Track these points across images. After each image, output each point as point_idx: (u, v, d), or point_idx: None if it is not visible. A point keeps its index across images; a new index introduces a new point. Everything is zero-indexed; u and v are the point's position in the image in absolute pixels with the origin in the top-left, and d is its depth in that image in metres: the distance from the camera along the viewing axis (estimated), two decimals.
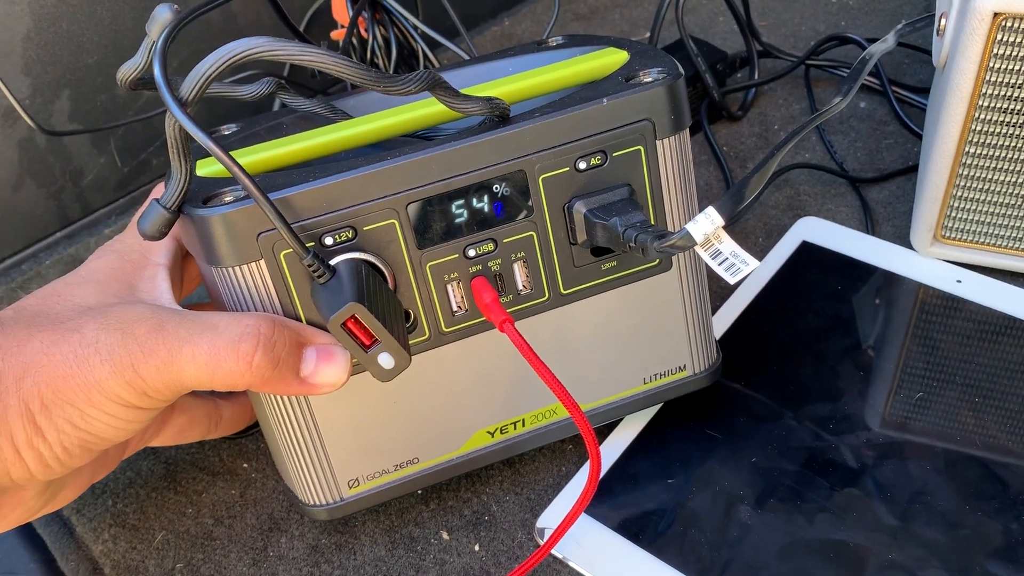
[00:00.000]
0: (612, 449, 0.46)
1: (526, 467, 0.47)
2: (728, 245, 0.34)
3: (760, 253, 0.56)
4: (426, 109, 0.41)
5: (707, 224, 0.33)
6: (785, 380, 0.48)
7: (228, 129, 0.49)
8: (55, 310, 0.37)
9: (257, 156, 0.40)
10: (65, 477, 0.40)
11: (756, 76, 0.69)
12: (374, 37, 0.66)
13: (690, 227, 0.33)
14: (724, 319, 0.52)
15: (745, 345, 0.50)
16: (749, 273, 0.34)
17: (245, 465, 0.49)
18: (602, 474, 0.45)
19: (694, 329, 0.44)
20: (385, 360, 0.36)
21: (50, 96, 0.62)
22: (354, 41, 0.66)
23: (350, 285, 0.35)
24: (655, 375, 0.45)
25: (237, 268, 0.36)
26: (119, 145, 0.66)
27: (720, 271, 0.34)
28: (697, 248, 0.34)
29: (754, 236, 0.58)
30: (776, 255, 0.55)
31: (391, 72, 0.65)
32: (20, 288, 0.62)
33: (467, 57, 0.64)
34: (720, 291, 0.54)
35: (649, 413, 0.47)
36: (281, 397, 0.39)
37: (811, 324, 0.51)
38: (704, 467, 0.45)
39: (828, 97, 0.68)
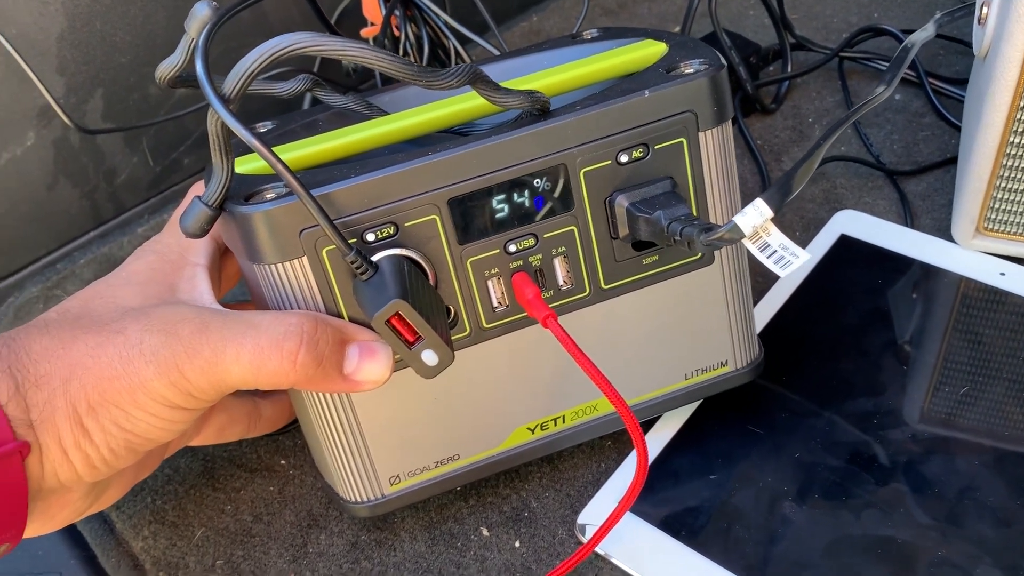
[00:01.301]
0: (653, 445, 0.45)
1: (565, 463, 0.46)
2: (777, 237, 0.34)
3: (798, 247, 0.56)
4: (462, 104, 0.40)
5: (755, 216, 0.33)
6: (826, 375, 0.47)
7: (264, 127, 0.49)
8: (98, 312, 0.37)
9: (296, 153, 0.39)
10: (110, 478, 0.40)
11: (789, 69, 0.68)
12: (406, 35, 0.66)
13: (738, 219, 0.33)
14: (763, 314, 0.51)
15: (785, 340, 0.49)
16: (799, 266, 0.33)
17: (283, 462, 0.49)
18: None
19: (736, 324, 0.43)
20: (429, 357, 0.35)
21: (84, 96, 0.62)
22: (386, 42, 0.66)
23: (393, 282, 0.35)
24: (697, 371, 0.44)
25: (279, 265, 0.36)
26: (151, 144, 0.66)
27: (769, 264, 0.34)
28: (745, 241, 0.33)
29: (791, 230, 0.58)
30: (814, 249, 0.55)
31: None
32: (55, 287, 0.63)
33: (498, 53, 0.63)
34: (758, 286, 0.53)
35: (689, 409, 0.47)
36: (324, 395, 0.39)
37: (851, 319, 0.50)
38: (746, 463, 0.44)
39: (862, 89, 0.68)
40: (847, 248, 0.55)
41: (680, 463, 0.45)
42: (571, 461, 0.46)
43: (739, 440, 0.45)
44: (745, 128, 0.65)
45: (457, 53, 0.66)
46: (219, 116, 0.32)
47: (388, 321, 0.34)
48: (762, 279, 0.55)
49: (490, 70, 0.49)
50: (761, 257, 0.34)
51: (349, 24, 0.71)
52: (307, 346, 0.34)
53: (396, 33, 0.66)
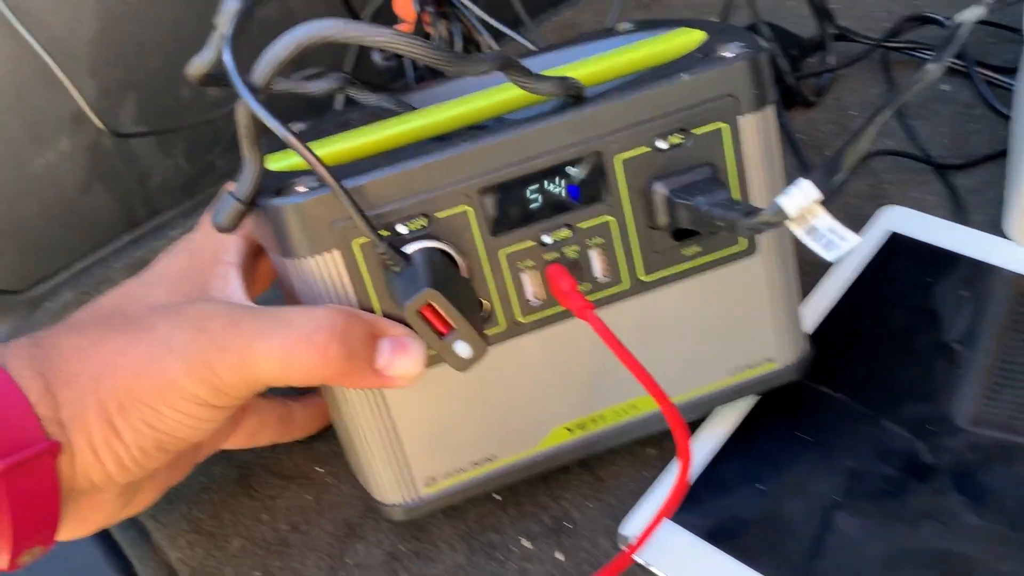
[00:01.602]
0: (698, 453, 0.44)
1: (606, 471, 0.45)
2: (825, 220, 0.32)
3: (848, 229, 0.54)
4: (494, 98, 0.40)
5: (801, 198, 0.31)
6: (878, 379, 0.46)
7: (296, 127, 0.49)
8: (129, 310, 0.37)
9: (327, 149, 0.39)
10: (142, 480, 0.39)
11: (831, 61, 0.66)
12: (438, 31, 0.65)
13: (782, 200, 0.31)
14: (810, 316, 0.49)
15: (834, 343, 0.48)
16: (849, 251, 0.32)
17: (319, 469, 0.48)
18: (691, 478, 0.43)
19: (782, 318, 0.42)
20: (462, 348, 0.35)
21: (116, 99, 0.62)
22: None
23: (425, 273, 0.34)
24: (741, 367, 0.43)
25: (311, 259, 0.35)
26: (184, 147, 0.66)
27: (817, 248, 0.32)
28: (790, 224, 0.32)
29: None
30: (861, 248, 0.53)
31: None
32: (90, 292, 0.62)
33: (533, 48, 0.62)
34: (804, 284, 0.52)
35: (735, 416, 0.45)
36: (356, 391, 0.38)
37: (902, 319, 0.48)
38: (796, 471, 0.43)
39: (908, 81, 0.65)
40: (896, 246, 0.53)
41: (727, 472, 0.43)
42: (613, 469, 0.45)
43: (788, 448, 0.44)
44: (786, 121, 0.63)
45: (490, 49, 0.65)
46: (248, 107, 0.32)
47: (420, 311, 0.34)
48: (808, 276, 0.53)
49: (526, 64, 0.48)
50: (808, 241, 0.32)
51: (380, 23, 0.70)
52: (338, 340, 0.34)
53: (428, 31, 0.65)
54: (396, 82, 0.70)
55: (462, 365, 0.35)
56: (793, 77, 0.63)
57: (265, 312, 0.35)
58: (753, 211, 0.33)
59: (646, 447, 0.45)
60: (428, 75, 0.65)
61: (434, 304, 0.34)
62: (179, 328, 0.34)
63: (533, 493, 0.45)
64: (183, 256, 0.40)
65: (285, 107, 0.67)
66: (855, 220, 0.56)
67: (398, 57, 0.65)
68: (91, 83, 0.60)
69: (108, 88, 0.61)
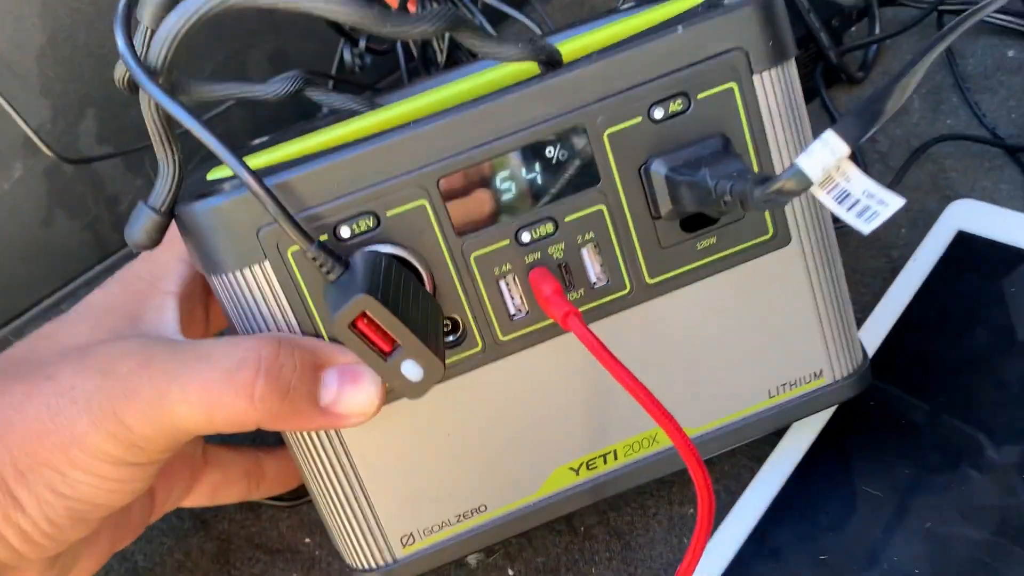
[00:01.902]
0: (745, 514, 0.37)
1: (639, 540, 0.38)
2: (858, 182, 0.25)
3: (905, 249, 0.46)
4: (475, 82, 0.33)
5: (825, 155, 0.25)
6: (958, 415, 0.38)
7: (258, 142, 0.44)
8: (39, 355, 0.32)
9: (271, 156, 0.33)
10: (78, 548, 0.34)
11: (878, 30, 0.58)
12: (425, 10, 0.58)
13: (802, 161, 0.25)
14: (871, 337, 0.42)
15: (901, 371, 0.41)
16: (890, 215, 0.25)
17: (307, 540, 0.42)
18: (735, 544, 0.37)
19: (829, 321, 0.35)
20: (410, 370, 0.29)
21: (74, 118, 0.55)
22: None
23: (364, 277, 0.28)
24: (782, 385, 0.35)
25: (238, 273, 0.30)
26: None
27: (849, 219, 0.25)
28: (815, 191, 0.25)
29: (894, 226, 0.48)
30: (927, 251, 0.45)
31: (443, 54, 0.57)
32: None
33: (538, 31, 0.55)
34: (860, 300, 0.45)
35: (788, 467, 0.38)
36: (308, 435, 0.32)
37: (983, 338, 0.41)
38: (864, 536, 0.36)
39: (967, 49, 0.57)
40: (966, 247, 0.45)
41: (781, 537, 0.36)
42: (646, 536, 0.38)
43: (853, 506, 0.37)
44: (830, 103, 0.55)
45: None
46: (149, 95, 0.28)
47: (354, 325, 0.28)
48: (864, 289, 0.46)
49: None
50: (839, 210, 0.25)
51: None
52: (266, 376, 0.29)
53: (412, 8, 0.58)
54: (383, 80, 0.63)
55: (413, 391, 0.29)
56: (836, 52, 0.55)
57: (184, 348, 0.30)
58: (768, 178, 0.26)
59: (686, 506, 0.39)
60: (425, 69, 0.58)
61: (370, 314, 0.28)
62: (83, 373, 0.30)
63: (553, 567, 0.38)
64: (114, 287, 0.35)
65: (280, 119, 0.61)
66: (918, 218, 0.48)
67: (383, 52, 0.58)
68: (44, 103, 0.54)
69: (63, 107, 0.55)
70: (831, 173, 0.25)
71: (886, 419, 0.39)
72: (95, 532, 0.34)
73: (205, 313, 0.37)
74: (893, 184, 0.49)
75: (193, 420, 0.29)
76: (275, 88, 0.37)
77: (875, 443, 0.38)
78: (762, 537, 0.37)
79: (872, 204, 0.25)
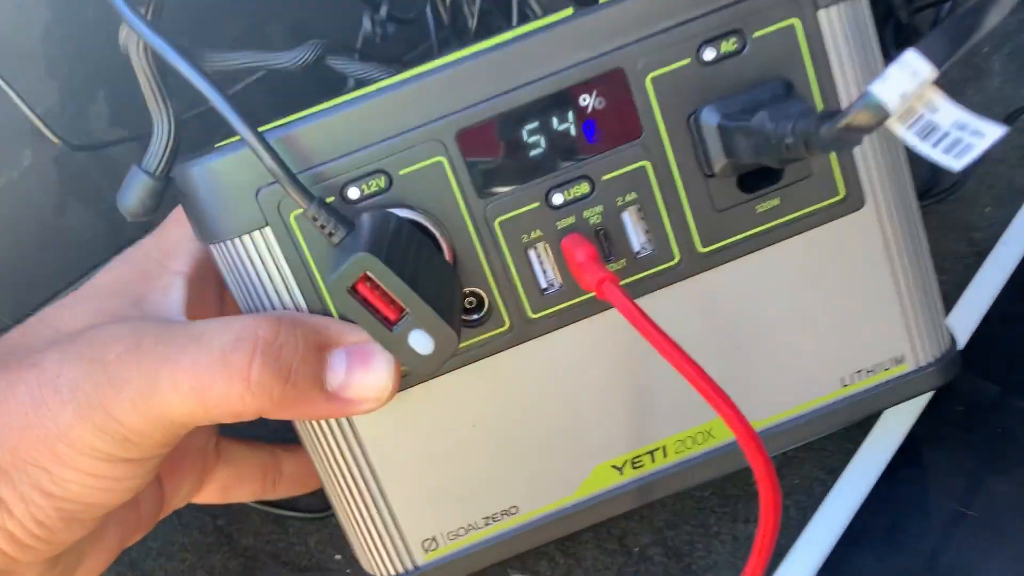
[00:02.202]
0: (818, 536, 0.34)
1: (699, 562, 0.35)
2: (947, 112, 0.21)
3: (990, 231, 0.42)
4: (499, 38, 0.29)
5: (905, 80, 0.21)
6: None
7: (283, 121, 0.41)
8: (32, 341, 0.29)
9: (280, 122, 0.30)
10: (81, 547, 0.31)
11: None
12: None
13: (877, 88, 0.21)
14: (957, 332, 0.38)
15: (996, 370, 0.36)
16: (986, 147, 0.21)
17: (338, 556, 0.39)
18: (810, 572, 0.33)
19: (911, 297, 0.31)
20: (419, 340, 0.25)
21: (84, 100, 0.52)
22: None
23: (369, 236, 0.25)
24: (858, 372, 0.31)
25: (237, 241, 0.28)
26: None
27: (936, 155, 0.21)
28: (893, 124, 0.21)
29: (978, 205, 0.44)
30: (1018, 233, 0.41)
31: (475, 19, 0.53)
32: None
33: None
34: (942, 286, 0.40)
35: (867, 481, 0.34)
36: (316, 424, 0.29)
37: None
38: (957, 565, 0.32)
39: None
40: None
41: (862, 565, 0.32)
42: (708, 559, 0.35)
43: (945, 528, 0.33)
44: None
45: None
46: (134, 32, 0.25)
47: (354, 289, 0.25)
48: (944, 276, 0.42)
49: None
50: (923, 147, 0.21)
51: None
52: (263, 357, 0.26)
53: None
54: (410, 51, 0.59)
55: (423, 365, 0.26)
56: (907, 11, 0.50)
57: (176, 329, 0.27)
58: (835, 113, 0.22)
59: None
60: (455, 40, 0.54)
61: (373, 276, 0.24)
62: (69, 361, 0.27)
63: None
64: (122, 268, 0.32)
65: (304, 98, 0.58)
66: (1004, 195, 0.44)
67: (408, 21, 0.54)
68: (51, 85, 0.51)
69: (72, 88, 0.52)
70: (913, 102, 0.21)
71: (979, 426, 0.35)
72: (99, 529, 0.31)
73: (219, 295, 0.34)
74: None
75: (186, 409, 0.26)
76: (294, 56, 0.35)
77: (967, 455, 0.34)
78: (838, 565, 0.33)
79: (965, 135, 0.21)
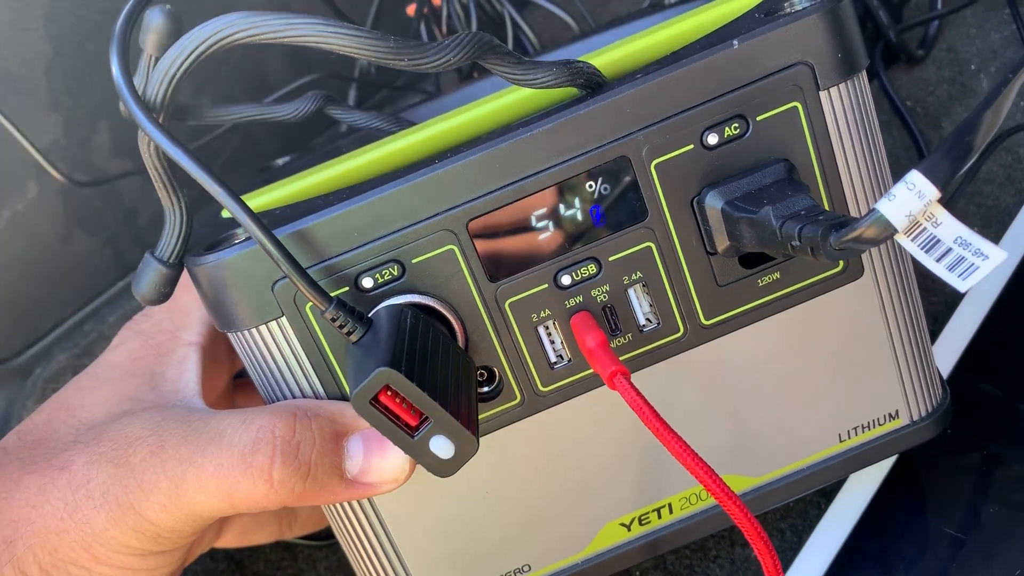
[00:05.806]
0: (812, 560, 0.35)
1: None
2: (950, 228, 0.22)
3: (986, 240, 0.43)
4: (502, 100, 0.30)
5: (911, 199, 0.22)
6: None
7: (282, 161, 0.42)
8: (57, 435, 0.31)
9: (288, 189, 0.31)
10: None
11: (940, 4, 0.53)
12: (450, 3, 0.55)
13: (883, 206, 0.22)
14: (944, 356, 0.39)
15: (980, 394, 0.37)
16: (990, 271, 0.22)
17: None
18: None
19: (906, 356, 0.32)
20: (440, 446, 0.26)
21: (86, 132, 0.53)
22: (424, 10, 0.56)
23: (387, 342, 0.26)
24: (855, 428, 0.32)
25: (255, 331, 0.28)
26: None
27: (940, 271, 0.23)
28: (900, 239, 0.23)
29: (966, 225, 0.44)
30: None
31: None
32: (84, 355, 0.55)
33: (574, 26, 0.52)
34: (928, 309, 0.41)
35: (859, 505, 0.35)
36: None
37: None
38: None
39: None
40: None
41: None
42: None
43: (935, 550, 0.34)
44: (888, 86, 0.51)
45: (515, 24, 0.54)
46: (147, 135, 0.25)
47: (376, 399, 0.25)
48: (935, 298, 0.42)
49: (560, 55, 0.38)
50: (927, 261, 0.23)
51: (394, 2, 0.60)
52: (283, 457, 0.27)
53: (436, 2, 0.55)
54: (413, 86, 0.60)
55: (444, 468, 0.26)
56: (895, 30, 0.51)
57: (197, 428, 0.28)
58: (844, 222, 0.23)
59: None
60: (467, 72, 0.55)
61: (393, 387, 0.25)
62: (97, 464, 0.28)
63: None
64: (134, 343, 0.33)
65: (308, 135, 0.59)
66: (991, 215, 0.45)
67: None
68: (55, 118, 0.51)
69: (75, 121, 0.52)
70: (918, 218, 0.22)
71: (967, 450, 0.36)
72: None
73: (231, 354, 0.34)
74: (981, 159, 0.45)
75: (214, 507, 0.28)
76: (294, 108, 0.36)
77: (955, 478, 0.35)
78: None
79: (967, 255, 0.22)
